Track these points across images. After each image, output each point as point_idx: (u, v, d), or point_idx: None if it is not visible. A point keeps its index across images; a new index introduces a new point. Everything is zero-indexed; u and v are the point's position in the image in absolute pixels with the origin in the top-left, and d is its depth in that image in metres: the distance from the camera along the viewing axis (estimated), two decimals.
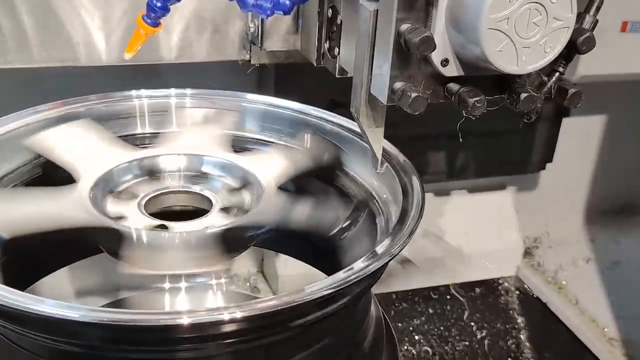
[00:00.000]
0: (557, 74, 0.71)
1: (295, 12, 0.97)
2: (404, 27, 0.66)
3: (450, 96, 0.69)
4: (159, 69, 1.19)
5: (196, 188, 0.86)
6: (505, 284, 1.83)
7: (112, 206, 0.81)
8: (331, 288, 0.61)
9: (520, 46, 0.65)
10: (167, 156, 0.88)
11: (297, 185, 0.87)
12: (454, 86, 0.69)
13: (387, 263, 0.66)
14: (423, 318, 1.70)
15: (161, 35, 1.06)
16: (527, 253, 1.88)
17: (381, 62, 0.69)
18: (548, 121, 1.69)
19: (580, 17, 0.69)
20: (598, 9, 0.70)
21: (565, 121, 1.70)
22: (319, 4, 0.89)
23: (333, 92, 0.90)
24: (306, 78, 1.15)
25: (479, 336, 1.68)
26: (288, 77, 1.32)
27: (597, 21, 0.70)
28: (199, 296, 0.84)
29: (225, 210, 0.81)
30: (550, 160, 1.75)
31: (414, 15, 0.66)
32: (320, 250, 0.82)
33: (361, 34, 0.72)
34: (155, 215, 0.80)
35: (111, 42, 1.05)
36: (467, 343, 1.66)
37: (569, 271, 1.83)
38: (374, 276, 0.68)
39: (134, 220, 0.78)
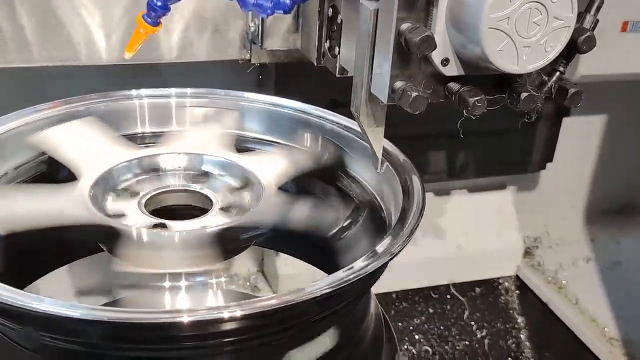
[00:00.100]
0: (557, 73, 0.71)
1: (295, 11, 0.97)
2: (405, 26, 0.66)
3: (450, 96, 0.69)
4: (159, 69, 1.19)
5: (196, 187, 0.86)
6: (505, 283, 1.83)
7: (113, 204, 0.81)
8: (331, 287, 0.61)
9: (521, 45, 0.65)
10: (167, 155, 0.88)
11: (298, 185, 0.87)
12: (454, 85, 0.69)
13: (387, 262, 0.66)
14: (423, 317, 1.70)
15: (161, 34, 1.06)
16: (527, 253, 1.88)
17: (381, 62, 0.69)
18: (548, 121, 1.69)
19: (580, 16, 0.69)
20: (598, 8, 0.70)
21: (566, 121, 1.70)
22: (320, 3, 0.89)
23: (333, 91, 0.90)
24: (306, 77, 1.15)
25: (479, 336, 1.68)
26: (288, 76, 1.32)
27: (597, 21, 0.70)
28: (199, 295, 0.84)
29: (225, 209, 0.81)
30: (551, 160, 1.75)
31: (415, 14, 0.66)
32: (320, 250, 0.82)
33: (361, 33, 0.72)
34: (155, 213, 0.80)
35: (111, 41, 1.05)
36: (467, 342, 1.66)
37: (569, 271, 1.83)
38: (374, 275, 0.68)
39: (134, 218, 0.78)
